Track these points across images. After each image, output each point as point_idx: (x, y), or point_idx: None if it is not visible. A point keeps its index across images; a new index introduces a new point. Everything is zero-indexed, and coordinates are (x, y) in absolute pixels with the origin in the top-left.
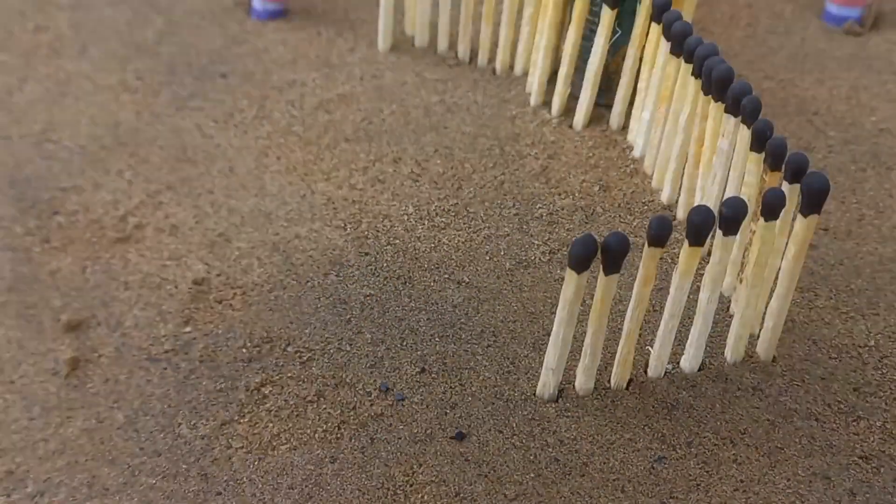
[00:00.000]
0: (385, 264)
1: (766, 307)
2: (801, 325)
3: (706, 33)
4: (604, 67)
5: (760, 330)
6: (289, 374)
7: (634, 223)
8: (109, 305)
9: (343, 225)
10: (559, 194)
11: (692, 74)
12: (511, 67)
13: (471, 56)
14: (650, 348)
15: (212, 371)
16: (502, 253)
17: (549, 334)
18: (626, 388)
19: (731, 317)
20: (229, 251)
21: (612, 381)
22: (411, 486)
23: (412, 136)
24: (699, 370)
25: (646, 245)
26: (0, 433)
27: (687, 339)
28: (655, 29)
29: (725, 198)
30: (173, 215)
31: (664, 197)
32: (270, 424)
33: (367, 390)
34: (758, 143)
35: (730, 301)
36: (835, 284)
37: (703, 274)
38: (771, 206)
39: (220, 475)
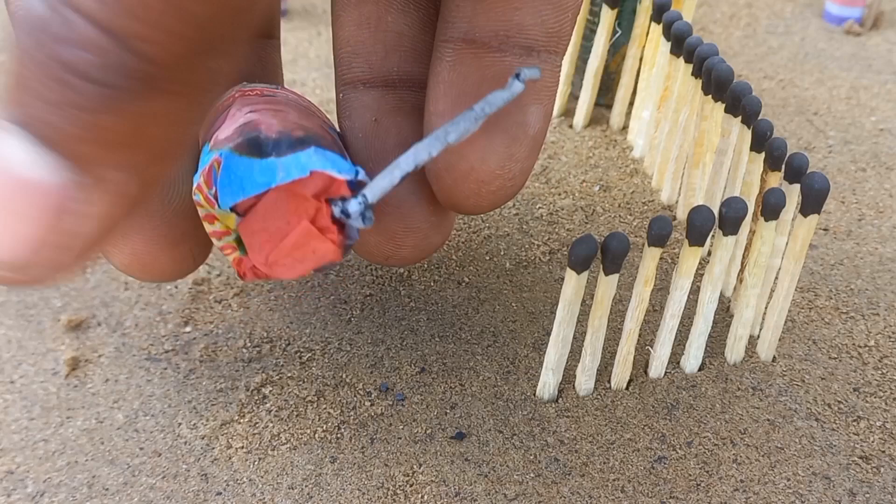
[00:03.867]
0: None
1: (766, 307)
2: (801, 325)
3: (706, 33)
4: (604, 67)
5: (760, 330)
6: (289, 374)
7: (634, 223)
8: (109, 305)
9: None
10: (559, 194)
11: (692, 74)
12: None
13: None
14: (650, 348)
15: (212, 371)
16: (502, 253)
17: (549, 334)
18: (626, 388)
19: (731, 317)
20: None
21: (612, 381)
22: (411, 486)
23: None
24: (699, 370)
25: (646, 245)
26: (0, 433)
27: (687, 339)
28: (655, 29)
29: (725, 198)
30: None
31: (664, 197)
32: (270, 424)
33: (367, 390)
34: (758, 142)
35: (730, 301)
36: (835, 284)
37: (703, 274)
38: (771, 206)
39: (220, 475)
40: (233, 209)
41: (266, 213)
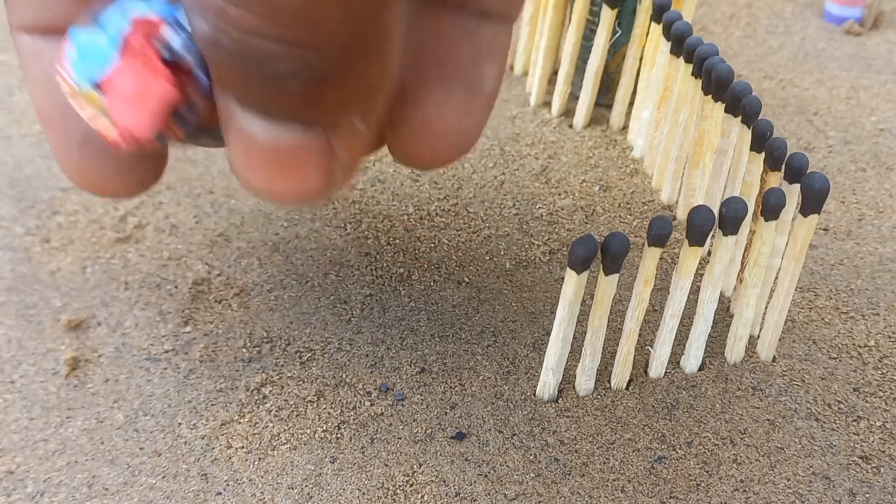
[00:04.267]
0: (385, 264)
1: (766, 307)
2: (801, 325)
3: (706, 33)
4: (604, 67)
5: (760, 330)
6: (289, 374)
7: (634, 223)
8: (109, 305)
9: (343, 225)
10: (559, 194)
11: (692, 74)
12: (511, 67)
13: None
14: (650, 348)
15: (212, 371)
16: (502, 253)
17: (549, 334)
18: (626, 388)
19: (731, 317)
20: (229, 251)
21: (612, 381)
22: (411, 486)
23: None
24: (699, 370)
25: (646, 245)
26: (0, 433)
27: (687, 339)
28: (655, 29)
29: (725, 198)
30: (173, 215)
31: (664, 197)
32: (270, 424)
33: (367, 390)
34: (758, 142)
35: (730, 301)
36: (835, 284)
37: (703, 274)
38: (771, 206)
39: (220, 475)
40: (95, 87)
41: (117, 79)
